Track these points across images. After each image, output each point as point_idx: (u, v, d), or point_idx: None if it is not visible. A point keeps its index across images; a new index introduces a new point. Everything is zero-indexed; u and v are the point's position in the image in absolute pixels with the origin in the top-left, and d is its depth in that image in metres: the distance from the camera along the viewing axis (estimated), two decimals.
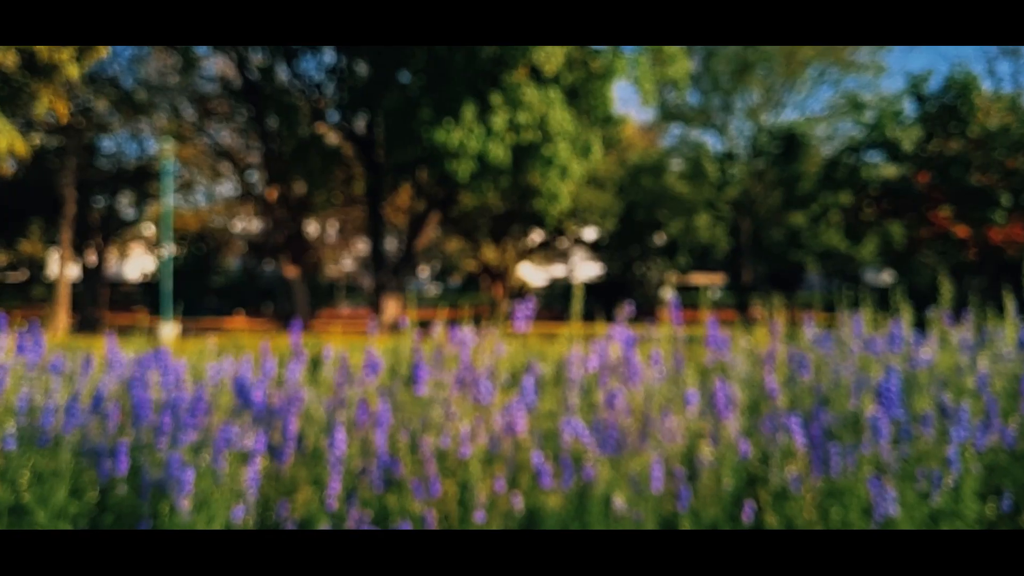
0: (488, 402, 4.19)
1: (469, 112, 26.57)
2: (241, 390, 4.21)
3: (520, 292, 53.07)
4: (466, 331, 4.56)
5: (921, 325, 5.31)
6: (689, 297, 61.35)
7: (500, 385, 4.55)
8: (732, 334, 4.93)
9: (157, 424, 4.13)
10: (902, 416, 4.18)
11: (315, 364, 5.02)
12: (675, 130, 48.98)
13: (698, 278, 59.18)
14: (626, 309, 4.66)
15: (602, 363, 4.50)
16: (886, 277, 55.62)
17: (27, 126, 33.22)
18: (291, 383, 4.37)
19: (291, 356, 4.54)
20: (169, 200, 27.25)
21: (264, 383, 4.28)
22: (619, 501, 3.95)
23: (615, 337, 4.60)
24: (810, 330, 5.22)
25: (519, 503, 4.01)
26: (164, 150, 26.58)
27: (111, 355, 4.84)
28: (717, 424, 4.30)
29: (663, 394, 4.32)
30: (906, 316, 4.96)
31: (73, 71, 18.48)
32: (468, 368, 4.34)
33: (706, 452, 4.09)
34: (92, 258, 41.81)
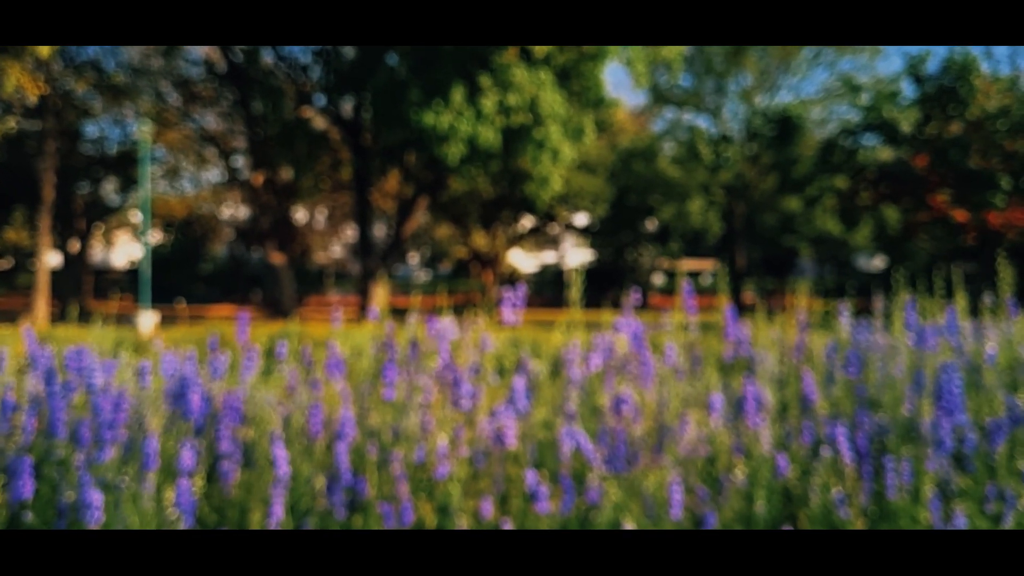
0: (471, 408, 3.49)
1: (458, 94, 25.88)
2: (176, 395, 3.52)
3: (511, 278, 52.47)
4: (446, 322, 3.87)
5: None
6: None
7: (487, 386, 3.87)
8: (753, 325, 4.24)
9: (78, 436, 3.44)
10: (966, 422, 3.50)
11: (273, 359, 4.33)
12: (667, 114, 48.24)
13: (689, 264, 58.69)
14: (632, 296, 3.98)
15: (607, 360, 3.82)
16: (878, 263, 55.24)
17: (6, 110, 32.41)
18: (243, 385, 3.67)
19: (242, 354, 3.84)
20: (147, 185, 26.44)
21: (199, 387, 3.57)
22: (630, 528, 3.27)
23: (620, 328, 3.92)
24: (845, 319, 4.53)
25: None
26: (142, 132, 25.72)
27: (33, 352, 4.13)
28: (741, 432, 3.62)
29: (680, 397, 3.63)
30: (960, 303, 4.28)
31: (43, 49, 17.70)
32: (449, 366, 3.65)
33: (737, 469, 3.41)
34: (75, 245, 40.99)
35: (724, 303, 4.09)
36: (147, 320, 20.31)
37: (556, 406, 3.80)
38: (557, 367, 4.23)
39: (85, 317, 34.92)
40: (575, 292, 3.83)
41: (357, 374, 4.17)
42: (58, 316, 34.49)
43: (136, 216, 54.17)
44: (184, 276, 60.54)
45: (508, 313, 3.64)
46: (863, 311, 5.52)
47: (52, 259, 41.28)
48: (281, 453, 3.25)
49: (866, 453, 3.49)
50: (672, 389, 3.68)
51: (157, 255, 62.37)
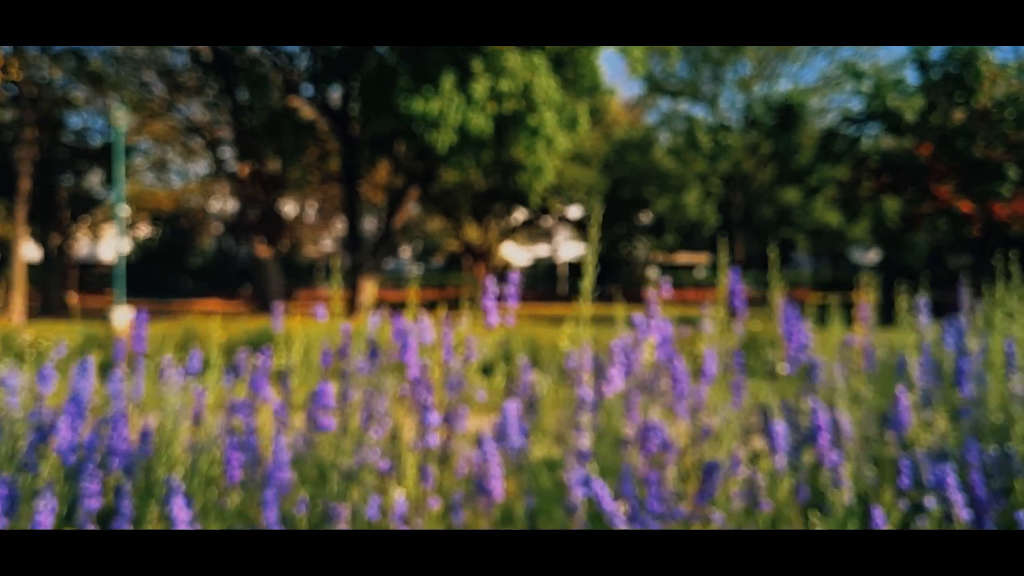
0: (443, 443, 2.56)
1: (448, 81, 24.99)
2: (42, 426, 2.58)
3: (503, 272, 51.61)
4: (421, 322, 2.93)
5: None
6: (675, 277, 59.94)
7: (472, 404, 2.94)
8: (814, 325, 3.31)
9: None
10: None
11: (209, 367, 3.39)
12: (662, 106, 47.35)
13: (684, 257, 57.95)
14: (662, 288, 3.06)
15: (628, 371, 2.88)
16: (872, 256, 54.65)
17: None
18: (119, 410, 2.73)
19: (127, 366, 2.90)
20: (121, 170, 25.37)
21: (74, 415, 2.63)
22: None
23: (641, 329, 2.99)
24: (925, 317, 3.60)
25: None
26: (116, 117, 24.64)
27: None
28: (811, 472, 2.69)
29: (727, 423, 2.70)
30: None
31: None
32: (421, 383, 2.71)
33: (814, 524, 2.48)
34: (59, 238, 39.94)
35: (777, 297, 3.16)
36: (121, 315, 19.33)
37: (560, 433, 2.86)
38: (556, 374, 3.31)
39: (65, 312, 34.02)
40: (587, 282, 2.89)
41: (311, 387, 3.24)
42: (37, 311, 33.54)
43: (123, 209, 53.17)
44: (171, 270, 59.97)
45: (492, 313, 2.70)
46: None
47: (33, 252, 40.28)
48: (182, 514, 2.32)
49: (986, 503, 2.58)
50: (717, 413, 2.75)
51: (145, 249, 61.60)
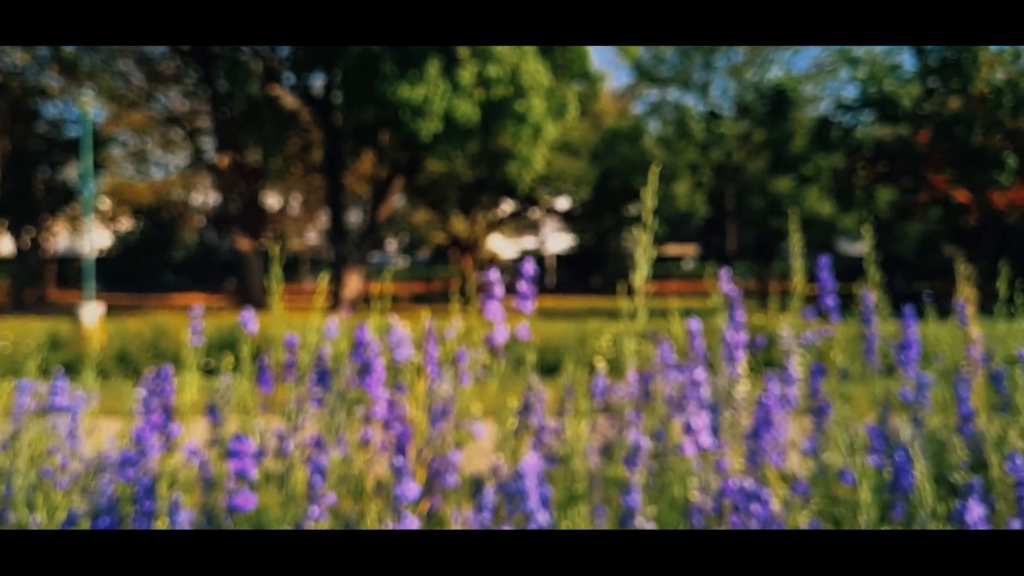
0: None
1: (434, 67, 24.19)
2: None
3: (493, 263, 50.88)
4: (393, 332, 2.09)
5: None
6: (664, 268, 59.23)
7: (466, 446, 2.10)
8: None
9: None
10: None
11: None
12: (651, 97, 46.57)
13: (672, 249, 57.30)
14: (723, 280, 2.22)
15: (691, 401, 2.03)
16: (859, 247, 54.13)
17: None
18: None
19: None
20: (89, 158, 24.38)
21: None
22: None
23: (696, 336, 2.15)
24: None
25: None
26: (84, 102, 23.63)
27: None
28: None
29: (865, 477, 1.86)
30: None
31: None
32: (391, 424, 1.86)
33: None
34: (33, 232, 38.94)
35: (873, 292, 2.32)
36: (91, 311, 18.40)
37: (597, 489, 2.02)
38: (571, 389, 2.48)
39: (39, 308, 33.09)
40: (640, 276, 2.02)
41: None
42: (9, 307, 32.62)
43: (104, 203, 52.22)
44: (153, 263, 59.03)
45: (499, 325, 1.86)
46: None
47: (6, 246, 39.38)
48: None
49: None
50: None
51: (125, 242, 60.55)
